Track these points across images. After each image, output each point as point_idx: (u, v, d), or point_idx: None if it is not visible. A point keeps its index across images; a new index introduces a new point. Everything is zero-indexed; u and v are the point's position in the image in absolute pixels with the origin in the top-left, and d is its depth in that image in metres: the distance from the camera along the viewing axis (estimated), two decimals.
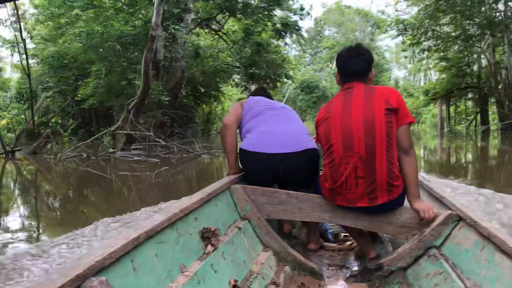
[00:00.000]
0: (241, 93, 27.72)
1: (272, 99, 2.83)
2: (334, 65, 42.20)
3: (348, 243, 2.53)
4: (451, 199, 1.94)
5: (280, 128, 2.35)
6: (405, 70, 56.11)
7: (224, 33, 19.84)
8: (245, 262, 1.87)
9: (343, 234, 2.67)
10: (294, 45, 62.31)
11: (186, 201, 1.73)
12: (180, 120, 18.02)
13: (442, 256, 1.73)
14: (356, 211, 1.98)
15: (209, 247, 1.69)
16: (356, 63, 2.03)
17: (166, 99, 13.73)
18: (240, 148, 2.38)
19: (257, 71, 20.17)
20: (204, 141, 18.93)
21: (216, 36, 20.33)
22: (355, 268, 2.20)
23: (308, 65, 52.00)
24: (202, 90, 23.09)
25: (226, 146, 2.45)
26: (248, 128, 2.42)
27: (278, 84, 24.43)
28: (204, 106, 25.66)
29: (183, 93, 21.80)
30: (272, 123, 2.38)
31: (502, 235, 1.46)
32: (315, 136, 2.24)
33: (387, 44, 56.65)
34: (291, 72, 23.86)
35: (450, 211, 1.82)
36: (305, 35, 65.16)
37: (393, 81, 45.87)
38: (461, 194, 4.05)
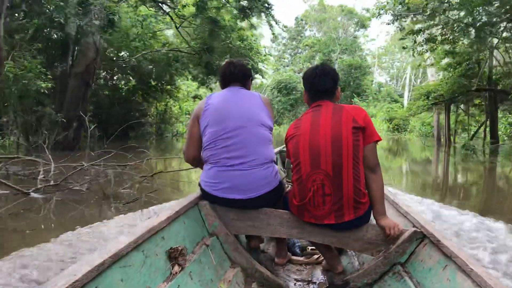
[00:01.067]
0: (197, 88, 22.72)
1: (245, 81, 2.44)
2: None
3: (315, 256, 2.56)
4: (415, 216, 1.98)
5: (235, 168, 2.14)
6: (387, 75, 53.60)
7: (170, 7, 14.80)
8: (213, 281, 1.88)
9: (310, 248, 2.68)
10: (273, 45, 58.35)
11: (153, 220, 1.70)
12: (121, 118, 14.94)
13: (406, 274, 1.78)
14: (324, 228, 2.02)
15: (176, 267, 1.68)
16: (323, 82, 2.09)
17: (47, 86, 8.72)
18: (200, 182, 2.27)
19: (215, 60, 15.26)
20: (157, 146, 15.88)
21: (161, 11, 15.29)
22: (322, 282, 2.22)
23: (287, 65, 50.29)
24: (153, 83, 18.00)
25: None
26: (205, 157, 2.25)
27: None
28: (158, 104, 20.61)
29: (128, 85, 16.70)
30: (225, 160, 2.16)
31: (464, 255, 1.50)
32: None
33: (369, 48, 53.32)
34: (260, 65, 18.95)
35: (414, 229, 1.86)
36: (285, 34, 61.28)
37: (376, 85, 43.29)
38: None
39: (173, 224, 1.84)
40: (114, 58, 16.23)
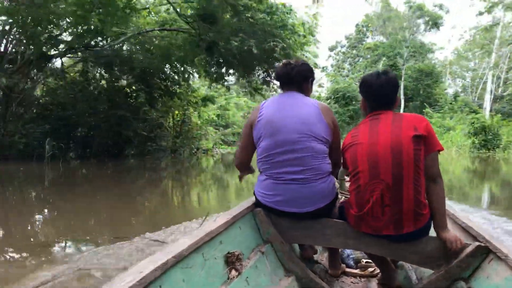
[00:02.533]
0: (209, 86, 18.18)
1: (303, 85, 2.33)
2: None
3: (370, 269, 2.51)
4: (478, 230, 1.89)
5: (291, 182, 2.13)
6: (456, 86, 48.83)
7: None
8: None
9: (364, 260, 2.63)
10: (332, 54, 53.32)
11: (211, 224, 1.77)
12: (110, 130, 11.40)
13: None
14: (381, 239, 1.97)
15: (233, 272, 1.71)
16: (383, 90, 2.02)
17: None
18: (255, 191, 2.30)
19: (224, 42, 10.48)
20: (174, 168, 12.95)
21: None
22: None
23: (347, 76, 46.53)
24: (161, 84, 13.86)
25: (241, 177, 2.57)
26: (260, 168, 2.27)
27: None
28: (176, 112, 16.57)
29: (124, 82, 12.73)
30: (280, 174, 2.15)
31: None
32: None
33: (436, 57, 46.36)
34: (298, 52, 13.30)
35: (478, 243, 1.78)
36: (345, 42, 55.75)
37: (451, 95, 38.50)
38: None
39: (230, 229, 1.89)
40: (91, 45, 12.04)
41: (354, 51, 52.80)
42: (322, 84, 46.34)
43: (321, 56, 50.04)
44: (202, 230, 1.66)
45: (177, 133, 16.84)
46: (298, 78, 2.27)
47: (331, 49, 56.79)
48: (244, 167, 2.43)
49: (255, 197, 2.27)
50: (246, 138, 2.29)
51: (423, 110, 30.89)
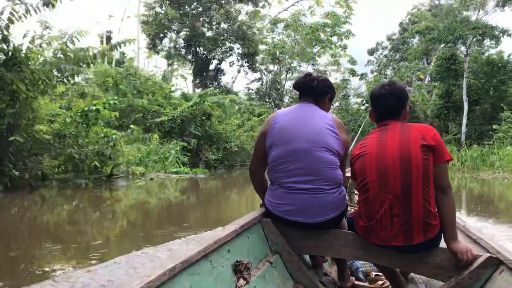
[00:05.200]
0: None
1: (321, 99, 2.37)
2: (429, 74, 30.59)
3: (380, 282, 2.46)
4: (489, 241, 1.88)
5: (302, 192, 2.13)
6: None
7: None
8: None
9: (374, 273, 2.59)
10: (371, 58, 45.72)
11: (219, 233, 1.79)
12: None
13: None
14: (391, 250, 1.98)
15: (241, 281, 1.72)
16: (388, 101, 2.06)
17: None
18: (264, 201, 2.32)
19: None
20: None
21: None
22: None
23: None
24: None
25: (255, 188, 2.51)
26: (271, 177, 2.28)
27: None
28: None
29: None
30: (291, 183, 2.15)
31: None
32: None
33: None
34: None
35: (489, 254, 1.78)
36: (386, 43, 48.15)
37: None
38: None
39: (238, 238, 1.90)
40: None
41: (398, 55, 44.24)
42: (362, 94, 37.59)
43: (360, 61, 42.62)
44: (210, 238, 1.68)
45: None
46: (317, 91, 2.31)
47: (371, 52, 48.38)
48: (255, 177, 2.42)
49: (265, 207, 2.28)
50: (258, 146, 2.33)
51: (500, 115, 21.49)
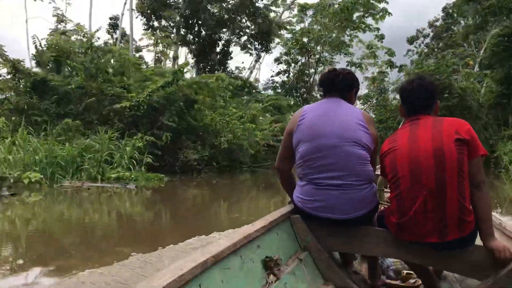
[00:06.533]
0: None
1: (347, 93, 2.33)
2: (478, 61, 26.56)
3: (412, 281, 2.40)
4: None
5: (332, 188, 2.09)
6: None
7: None
8: None
9: (405, 272, 2.54)
10: (411, 47, 40.80)
11: (249, 228, 1.77)
12: None
13: None
14: (424, 247, 1.93)
15: (272, 277, 1.71)
16: (419, 96, 2.03)
17: None
18: (293, 197, 2.29)
19: None
20: None
21: None
22: None
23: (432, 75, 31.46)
24: None
25: (282, 186, 2.47)
26: (299, 173, 2.24)
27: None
28: None
29: None
30: (321, 179, 2.10)
31: None
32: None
33: None
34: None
35: None
36: (428, 30, 43.02)
37: None
38: None
39: (267, 234, 1.90)
40: None
41: (441, 44, 38.40)
42: None
43: (398, 52, 37.66)
44: (240, 233, 1.67)
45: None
46: (342, 86, 2.28)
47: (411, 40, 42.91)
48: (282, 173, 2.38)
49: (294, 203, 2.26)
50: (285, 143, 2.30)
51: None
